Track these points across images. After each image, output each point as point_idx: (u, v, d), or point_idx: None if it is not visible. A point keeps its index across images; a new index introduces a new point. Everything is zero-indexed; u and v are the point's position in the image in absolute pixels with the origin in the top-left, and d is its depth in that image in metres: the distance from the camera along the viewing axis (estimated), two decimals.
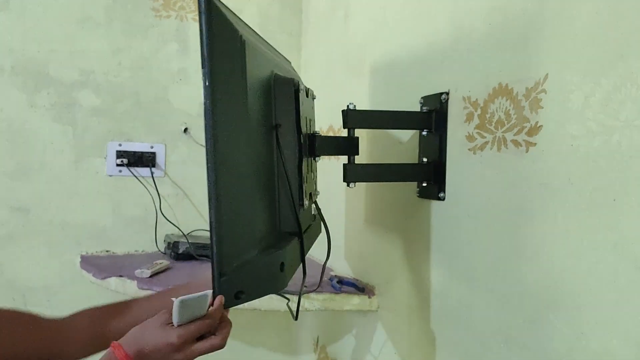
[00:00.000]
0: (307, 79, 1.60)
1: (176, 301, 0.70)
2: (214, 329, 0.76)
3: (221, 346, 0.75)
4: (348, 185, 1.09)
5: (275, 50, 1.07)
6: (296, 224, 0.88)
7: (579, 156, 0.75)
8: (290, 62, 1.20)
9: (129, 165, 1.78)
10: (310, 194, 1.06)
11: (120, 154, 1.78)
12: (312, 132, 1.01)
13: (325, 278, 1.49)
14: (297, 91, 0.88)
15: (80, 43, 1.73)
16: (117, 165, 1.78)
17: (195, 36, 1.84)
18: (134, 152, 1.80)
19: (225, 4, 0.78)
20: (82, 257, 1.74)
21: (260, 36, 0.95)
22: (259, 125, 0.81)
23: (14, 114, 1.68)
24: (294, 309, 1.17)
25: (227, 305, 0.74)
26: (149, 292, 1.38)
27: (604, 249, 0.71)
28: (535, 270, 0.84)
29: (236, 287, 0.73)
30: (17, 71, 1.68)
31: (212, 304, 0.73)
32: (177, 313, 0.71)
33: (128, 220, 1.82)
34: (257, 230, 0.77)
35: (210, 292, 0.73)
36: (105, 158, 1.77)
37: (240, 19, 0.82)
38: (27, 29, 1.68)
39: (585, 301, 0.74)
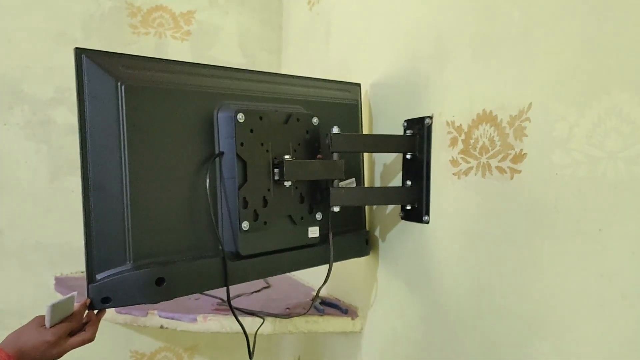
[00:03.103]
0: None
1: (47, 306, 0.84)
2: (83, 325, 0.91)
3: (91, 339, 0.91)
4: (332, 209, 1.08)
5: (293, 77, 1.16)
6: (219, 245, 0.98)
7: (565, 185, 0.76)
8: (353, 85, 1.27)
9: None
10: (291, 217, 1.07)
11: None
12: (281, 157, 1.03)
13: (307, 299, 1.48)
14: (235, 120, 0.96)
15: (56, 59, 1.70)
16: None
17: (174, 54, 1.83)
18: None
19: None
20: (57, 278, 1.69)
21: (220, 68, 1.02)
22: (169, 155, 0.92)
23: None
24: (271, 330, 1.17)
25: (94, 308, 0.88)
26: (127, 316, 1.36)
27: (591, 278, 0.72)
28: (521, 296, 0.84)
29: (103, 293, 0.87)
30: None
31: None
32: (49, 316, 0.85)
33: None
34: (138, 247, 0.88)
35: (75, 293, 0.89)
36: None
37: (159, 61, 0.94)
38: (0, 45, 1.64)
39: (572, 330, 0.75)
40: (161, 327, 1.33)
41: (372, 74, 1.30)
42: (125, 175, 0.87)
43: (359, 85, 1.28)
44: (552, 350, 0.78)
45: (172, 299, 0.91)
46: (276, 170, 1.01)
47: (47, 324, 0.86)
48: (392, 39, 1.22)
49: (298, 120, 1.06)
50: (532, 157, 0.81)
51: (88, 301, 0.88)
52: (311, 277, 1.69)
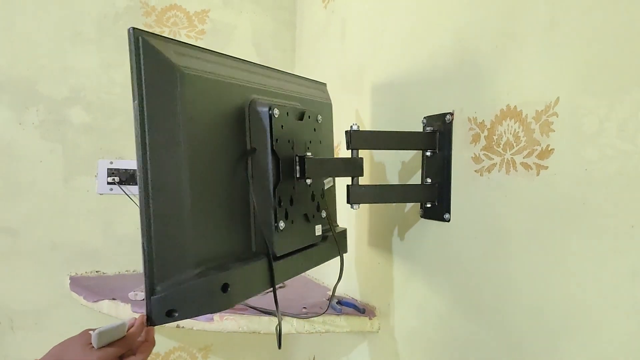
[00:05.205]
0: None
1: (94, 334, 0.77)
2: (136, 348, 0.82)
3: None
4: (352, 207, 1.07)
5: (286, 73, 1.11)
6: (265, 246, 0.92)
7: (594, 181, 0.74)
8: (322, 84, 1.26)
9: (120, 183, 1.75)
10: (306, 215, 1.05)
11: (111, 172, 1.74)
12: (302, 154, 1.00)
13: (323, 299, 1.47)
14: (271, 115, 0.91)
15: (71, 59, 1.70)
16: (108, 183, 1.74)
17: None
18: (126, 170, 1.76)
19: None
20: (71, 278, 1.69)
21: (243, 61, 0.98)
22: (216, 151, 0.85)
23: (1, 132, 1.64)
24: (289, 330, 1.16)
25: (158, 323, 0.77)
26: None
27: (622, 276, 0.70)
28: (547, 296, 0.82)
29: (168, 305, 0.76)
30: (5, 88, 1.63)
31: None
32: (96, 340, 0.77)
33: (119, 239, 1.78)
34: (198, 252, 0.81)
35: (127, 320, 0.81)
36: (96, 176, 1.74)
37: (199, 48, 0.86)
38: (15, 45, 1.64)
39: (603, 330, 0.73)
40: (177, 326, 1.32)
41: (389, 70, 1.29)
42: (185, 173, 0.79)
43: (324, 84, 1.27)
44: (580, 351, 0.76)
45: (233, 306, 0.84)
46: (297, 167, 0.99)
47: (95, 345, 0.78)
48: (409, 34, 1.21)
49: (309, 117, 1.05)
50: (560, 152, 0.79)
51: (144, 318, 0.77)
52: (326, 276, 1.68)
